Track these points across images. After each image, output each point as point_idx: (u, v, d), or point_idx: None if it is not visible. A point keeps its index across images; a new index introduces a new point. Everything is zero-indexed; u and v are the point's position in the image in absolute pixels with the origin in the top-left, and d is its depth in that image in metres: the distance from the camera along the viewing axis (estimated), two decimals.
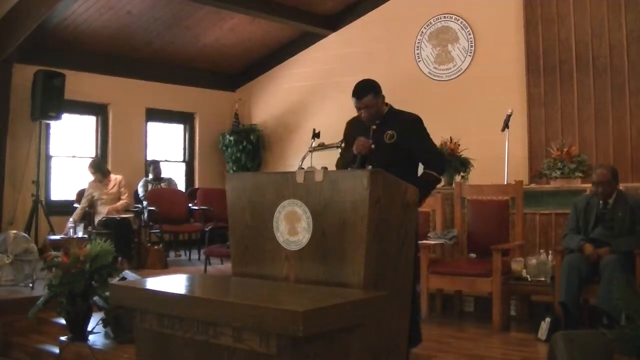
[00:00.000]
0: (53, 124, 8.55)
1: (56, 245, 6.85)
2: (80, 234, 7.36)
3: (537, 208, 6.22)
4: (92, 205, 7.90)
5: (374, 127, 4.10)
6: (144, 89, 9.48)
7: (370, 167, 3.79)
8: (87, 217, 7.84)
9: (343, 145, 4.20)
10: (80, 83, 8.51)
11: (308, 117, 9.64)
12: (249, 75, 10.59)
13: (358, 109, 4.09)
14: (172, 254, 8.76)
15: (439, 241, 5.76)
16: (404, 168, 3.92)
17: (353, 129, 4.24)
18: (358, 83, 4.09)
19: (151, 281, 3.25)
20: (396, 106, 4.24)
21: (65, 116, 8.45)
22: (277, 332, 2.38)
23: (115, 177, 8.11)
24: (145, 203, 8.52)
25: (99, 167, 8.09)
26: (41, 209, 7.92)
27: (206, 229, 8.18)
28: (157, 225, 8.27)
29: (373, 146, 4.00)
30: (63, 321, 4.81)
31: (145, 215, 8.33)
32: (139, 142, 9.61)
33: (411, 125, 4.12)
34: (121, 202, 8.02)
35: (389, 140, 4.06)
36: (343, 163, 4.17)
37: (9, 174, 8.06)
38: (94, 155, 9.05)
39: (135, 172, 9.21)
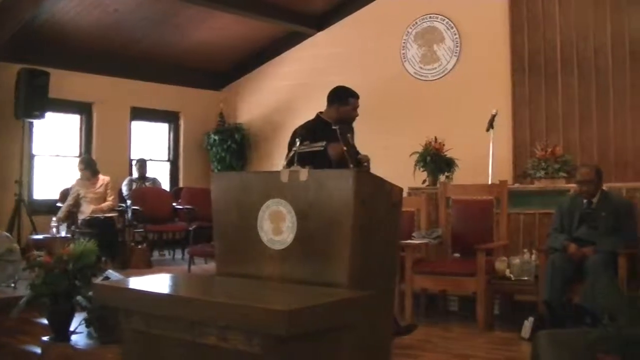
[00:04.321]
0: (37, 122, 8.44)
1: (39, 244, 6.78)
2: (63, 234, 7.30)
3: (522, 208, 6.25)
4: (76, 203, 7.84)
5: (338, 129, 4.36)
6: (128, 87, 9.40)
7: (351, 166, 4.07)
8: (70, 217, 7.77)
9: (303, 142, 4.03)
10: (64, 81, 8.43)
11: (294, 116, 9.59)
12: (234, 74, 10.54)
13: (355, 108, 4.56)
14: (156, 254, 8.71)
15: (424, 241, 5.77)
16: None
17: (318, 131, 4.37)
18: (346, 87, 4.59)
19: (135, 281, 3.24)
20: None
21: (49, 115, 8.36)
22: (262, 332, 2.37)
23: (103, 178, 8.04)
24: (129, 202, 8.47)
25: (89, 164, 8.02)
26: (24, 209, 7.85)
27: (190, 229, 8.14)
28: (141, 224, 8.22)
29: (345, 148, 4.24)
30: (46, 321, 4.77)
31: (129, 214, 8.28)
32: (124, 141, 9.53)
33: (352, 128, 4.60)
34: (107, 203, 7.95)
35: (352, 142, 4.48)
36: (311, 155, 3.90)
37: None
38: (78, 154, 8.98)
39: (120, 171, 9.13)
